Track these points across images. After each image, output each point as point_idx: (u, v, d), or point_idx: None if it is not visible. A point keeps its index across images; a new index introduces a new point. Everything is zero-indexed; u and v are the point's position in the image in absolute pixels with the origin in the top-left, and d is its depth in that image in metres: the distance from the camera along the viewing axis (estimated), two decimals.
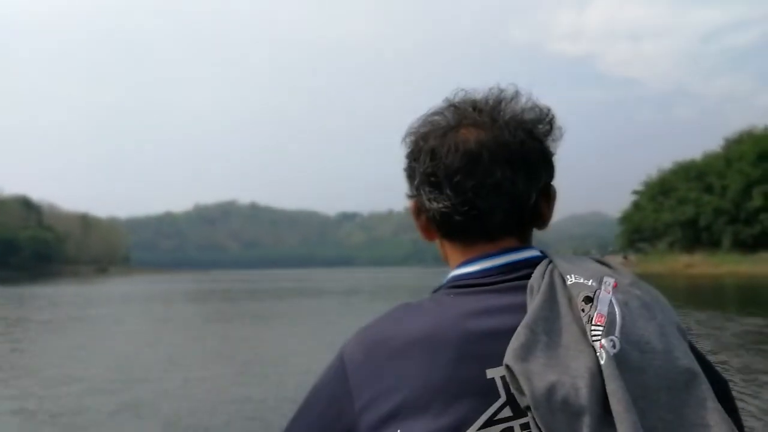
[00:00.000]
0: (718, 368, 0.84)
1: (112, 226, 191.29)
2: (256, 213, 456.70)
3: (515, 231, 0.90)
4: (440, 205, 0.89)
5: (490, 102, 0.91)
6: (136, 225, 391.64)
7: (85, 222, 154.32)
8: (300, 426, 0.87)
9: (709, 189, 74.29)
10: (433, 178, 0.89)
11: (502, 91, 0.92)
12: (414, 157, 0.92)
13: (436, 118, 0.92)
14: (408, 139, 0.94)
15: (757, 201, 64.77)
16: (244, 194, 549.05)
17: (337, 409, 0.83)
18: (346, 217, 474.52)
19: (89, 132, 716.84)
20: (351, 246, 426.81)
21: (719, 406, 0.76)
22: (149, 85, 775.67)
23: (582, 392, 0.73)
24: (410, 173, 0.93)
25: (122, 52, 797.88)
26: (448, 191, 0.88)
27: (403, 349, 0.82)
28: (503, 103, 0.91)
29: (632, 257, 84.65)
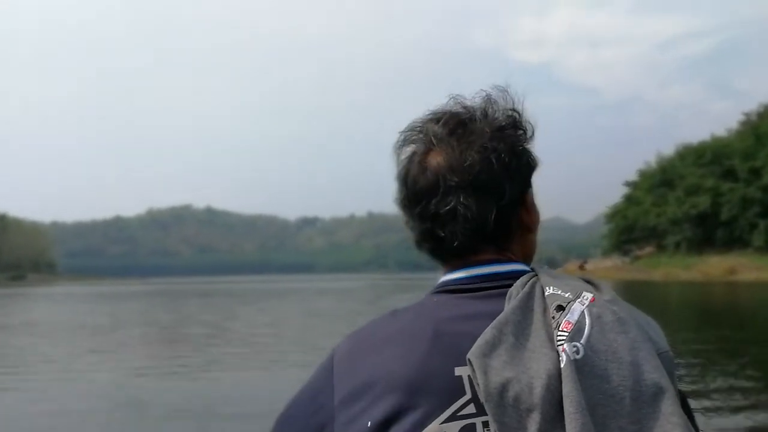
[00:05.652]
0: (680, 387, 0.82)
1: (36, 229, 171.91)
2: (211, 218, 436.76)
3: (490, 244, 0.90)
4: (412, 232, 0.93)
5: (462, 116, 0.90)
6: (84, 230, 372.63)
7: (2, 224, 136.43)
8: (287, 416, 0.90)
9: (730, 174, 59.70)
10: (403, 204, 0.93)
11: (487, 96, 0.92)
12: (396, 176, 0.94)
13: (411, 135, 0.93)
14: (394, 155, 0.95)
15: None
16: (200, 198, 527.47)
17: (319, 402, 0.86)
18: (307, 222, 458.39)
19: (32, 129, 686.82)
20: (311, 251, 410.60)
21: (685, 422, 0.76)
22: (99, 79, 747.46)
23: (536, 391, 0.73)
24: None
25: (72, 42, 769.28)
26: (413, 220, 0.91)
27: (380, 345, 0.86)
28: (474, 119, 0.90)
29: (618, 261, 71.83)
